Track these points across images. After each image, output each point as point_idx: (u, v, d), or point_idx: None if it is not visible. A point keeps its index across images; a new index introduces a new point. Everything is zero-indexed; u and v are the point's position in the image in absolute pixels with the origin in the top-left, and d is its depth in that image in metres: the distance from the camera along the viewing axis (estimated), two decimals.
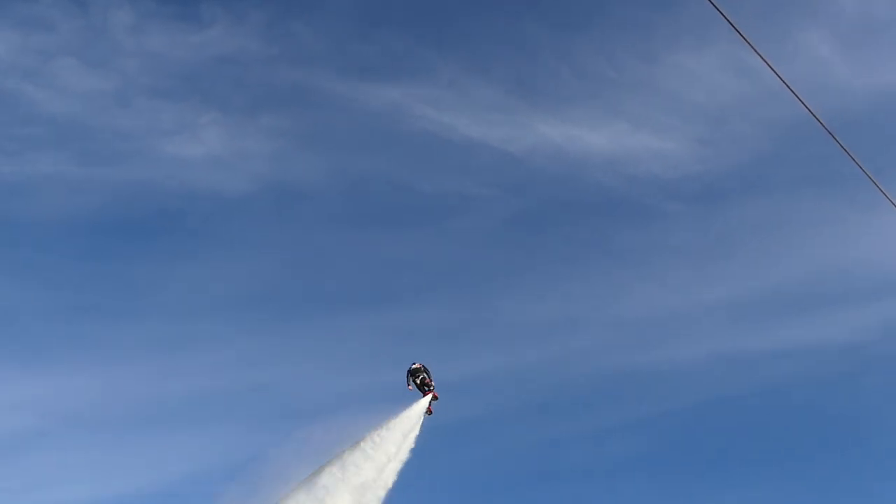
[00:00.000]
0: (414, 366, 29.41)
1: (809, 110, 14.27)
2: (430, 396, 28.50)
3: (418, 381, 29.01)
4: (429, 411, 28.86)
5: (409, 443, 27.91)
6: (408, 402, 28.45)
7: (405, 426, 27.80)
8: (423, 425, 28.23)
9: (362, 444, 26.52)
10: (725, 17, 11.72)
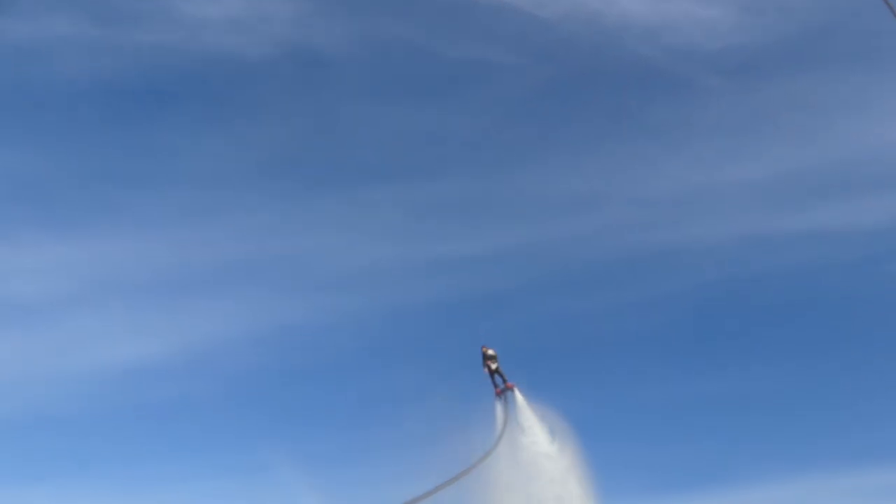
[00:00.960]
0: (489, 352, 31.33)
1: None
2: (508, 390, 30.68)
3: (493, 368, 30.94)
4: (500, 392, 30.81)
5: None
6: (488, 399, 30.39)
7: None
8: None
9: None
10: None
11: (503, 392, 31.74)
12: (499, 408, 31.30)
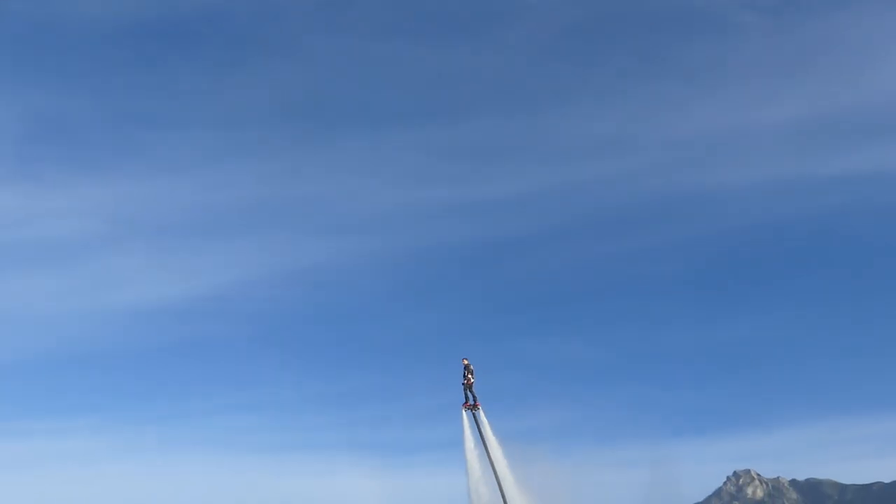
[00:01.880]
0: (469, 366, 35.15)
1: None
2: (472, 406, 34.67)
3: (470, 381, 34.63)
4: (473, 406, 34.74)
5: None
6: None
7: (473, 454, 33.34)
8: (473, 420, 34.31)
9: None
10: None
11: (472, 406, 35.63)
12: (465, 419, 35.33)
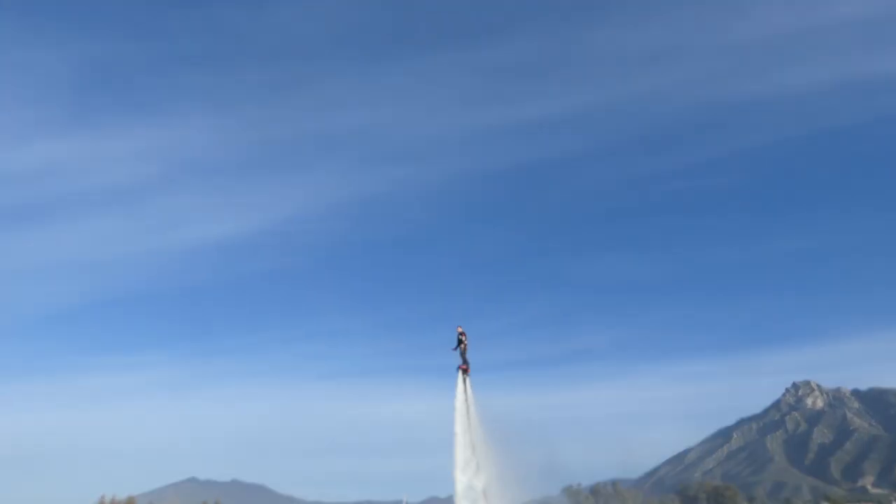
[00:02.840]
0: (459, 330, 40.55)
1: None
2: (464, 372, 39.44)
3: (463, 347, 40.24)
4: (465, 370, 38.90)
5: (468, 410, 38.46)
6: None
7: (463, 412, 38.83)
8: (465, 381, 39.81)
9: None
10: None
11: (465, 370, 40.24)
12: (459, 381, 40.24)
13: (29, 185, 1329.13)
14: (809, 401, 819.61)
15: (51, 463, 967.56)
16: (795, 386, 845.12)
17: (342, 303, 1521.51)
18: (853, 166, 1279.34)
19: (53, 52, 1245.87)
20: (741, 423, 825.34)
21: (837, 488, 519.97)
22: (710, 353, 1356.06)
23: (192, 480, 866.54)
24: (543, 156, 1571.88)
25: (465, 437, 40.21)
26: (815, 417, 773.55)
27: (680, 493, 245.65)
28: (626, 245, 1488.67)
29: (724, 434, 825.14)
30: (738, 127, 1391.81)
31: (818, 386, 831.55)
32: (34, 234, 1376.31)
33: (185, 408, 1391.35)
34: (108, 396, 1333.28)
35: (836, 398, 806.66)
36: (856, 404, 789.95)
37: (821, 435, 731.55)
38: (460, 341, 41.72)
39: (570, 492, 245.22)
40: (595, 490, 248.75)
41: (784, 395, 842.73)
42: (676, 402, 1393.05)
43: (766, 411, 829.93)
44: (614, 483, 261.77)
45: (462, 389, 41.64)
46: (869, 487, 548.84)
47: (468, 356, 42.28)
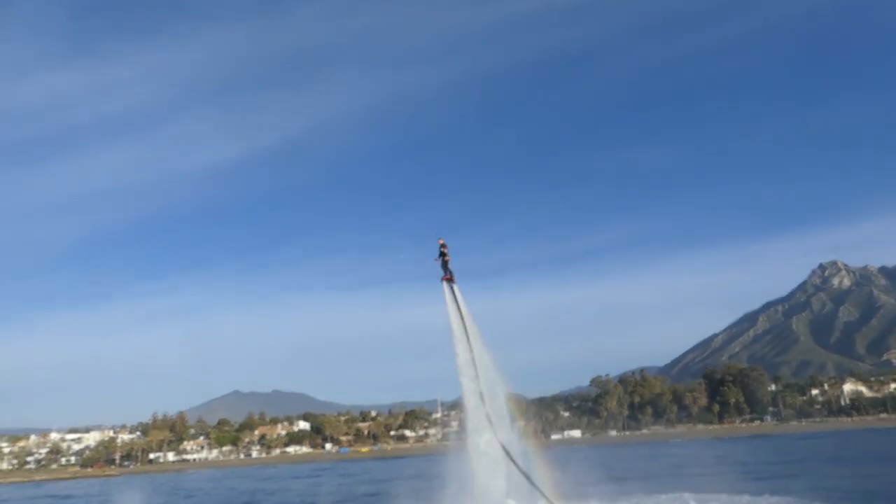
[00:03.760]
0: (440, 243, 40.25)
1: None
2: (449, 279, 39.54)
3: (443, 259, 40.08)
4: (450, 280, 39.64)
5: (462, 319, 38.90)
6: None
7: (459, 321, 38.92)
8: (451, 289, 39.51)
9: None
10: None
11: (450, 279, 39.96)
12: (446, 290, 39.76)
13: (34, 120, 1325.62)
14: (836, 281, 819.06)
15: (103, 385, 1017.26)
16: (822, 267, 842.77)
17: (365, 213, 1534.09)
18: (878, 44, 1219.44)
19: None
20: (767, 306, 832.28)
21: (862, 363, 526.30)
22: (735, 239, 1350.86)
23: (236, 393, 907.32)
24: (555, 49, 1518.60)
25: (462, 342, 39.74)
26: (841, 297, 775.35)
27: (705, 377, 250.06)
28: (644, 135, 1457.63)
29: (749, 318, 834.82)
30: (761, 3, 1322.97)
31: (845, 265, 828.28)
32: (46, 169, 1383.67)
33: (224, 326, 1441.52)
34: (148, 321, 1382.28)
35: (862, 276, 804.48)
36: (882, 281, 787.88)
37: (847, 313, 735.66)
38: (442, 253, 41.44)
39: (598, 381, 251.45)
40: (622, 379, 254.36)
41: (810, 276, 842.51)
42: (702, 290, 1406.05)
43: (792, 293, 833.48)
44: (642, 371, 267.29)
45: (450, 298, 40.78)
46: (894, 360, 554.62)
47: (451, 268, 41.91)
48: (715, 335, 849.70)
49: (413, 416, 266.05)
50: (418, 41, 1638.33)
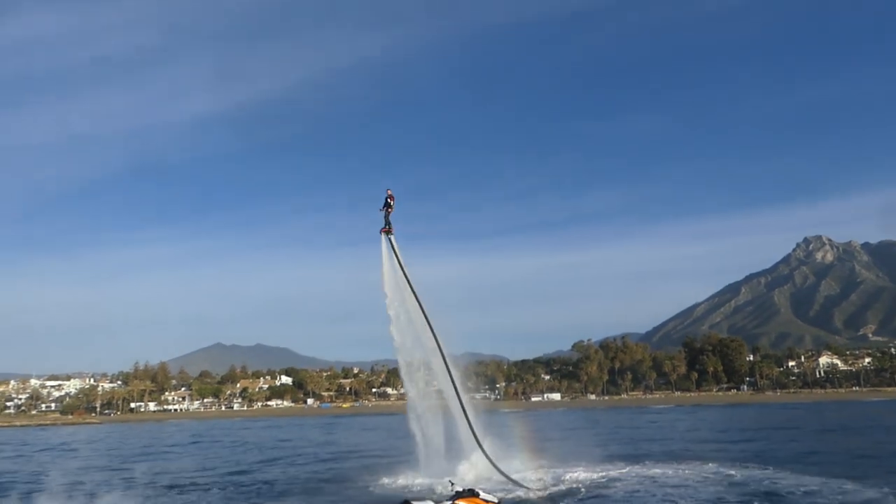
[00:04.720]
0: (388, 193, 38.89)
1: None
2: (388, 231, 38.41)
3: (387, 209, 38.91)
4: (388, 231, 38.56)
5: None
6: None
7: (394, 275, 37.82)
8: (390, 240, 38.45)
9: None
10: None
11: (388, 231, 38.64)
12: (384, 243, 38.53)
13: (17, 58, 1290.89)
14: (819, 255, 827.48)
15: (85, 333, 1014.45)
16: (807, 241, 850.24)
17: (354, 170, 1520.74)
18: (873, 17, 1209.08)
19: None
20: (750, 277, 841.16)
21: (839, 337, 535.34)
22: (722, 211, 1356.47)
23: (219, 346, 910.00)
24: (548, 12, 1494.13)
25: (398, 298, 38.78)
26: (823, 271, 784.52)
27: (686, 345, 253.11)
28: (635, 103, 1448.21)
29: (732, 289, 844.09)
30: None
31: (829, 240, 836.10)
32: (29, 110, 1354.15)
33: (209, 278, 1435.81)
34: (132, 270, 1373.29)
35: (846, 252, 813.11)
36: (865, 257, 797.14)
37: (827, 287, 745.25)
38: (387, 203, 40.18)
39: (580, 346, 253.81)
40: (604, 345, 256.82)
41: (794, 249, 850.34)
42: (686, 260, 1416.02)
43: (776, 266, 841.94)
44: (623, 337, 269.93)
45: (387, 251, 39.58)
46: (870, 335, 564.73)
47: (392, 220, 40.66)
48: (697, 304, 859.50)
49: (395, 373, 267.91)
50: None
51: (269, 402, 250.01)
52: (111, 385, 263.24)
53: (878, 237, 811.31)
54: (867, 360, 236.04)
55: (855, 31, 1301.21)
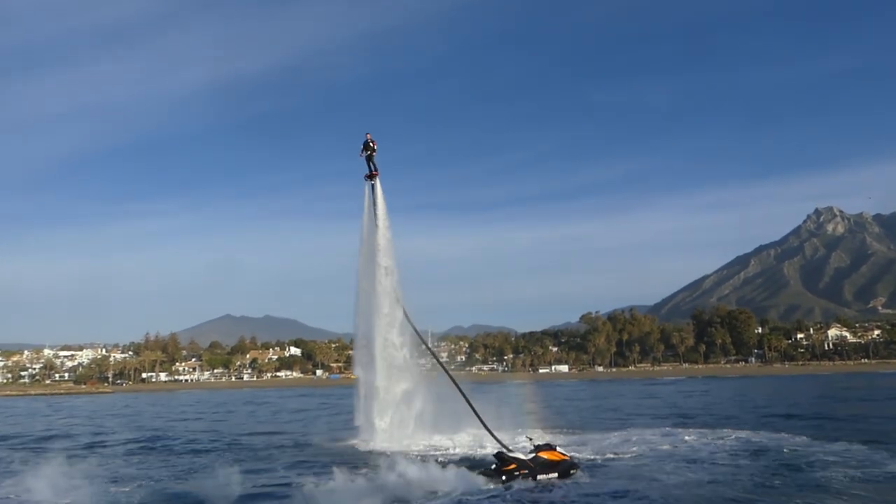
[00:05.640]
0: (367, 137, 35.88)
1: None
2: (374, 176, 36.17)
3: (368, 154, 36.03)
4: (372, 176, 36.22)
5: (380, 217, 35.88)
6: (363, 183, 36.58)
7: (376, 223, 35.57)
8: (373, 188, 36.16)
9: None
10: None
11: (371, 177, 36.21)
12: (367, 192, 36.24)
13: (22, 25, 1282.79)
14: (830, 227, 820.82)
15: (97, 304, 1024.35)
16: (818, 212, 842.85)
17: (360, 139, 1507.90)
18: None
19: None
20: (759, 249, 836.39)
21: (848, 310, 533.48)
22: (732, 181, 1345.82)
23: (228, 317, 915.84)
24: None
25: (372, 251, 36.94)
26: (834, 243, 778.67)
27: (694, 317, 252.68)
28: (645, 70, 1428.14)
29: (741, 261, 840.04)
30: None
31: (840, 212, 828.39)
32: (33, 80, 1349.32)
33: (217, 249, 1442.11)
34: (143, 241, 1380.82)
35: (857, 223, 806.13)
36: (876, 229, 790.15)
37: (838, 259, 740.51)
38: (370, 147, 37.21)
39: (588, 318, 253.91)
40: (612, 317, 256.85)
41: (805, 221, 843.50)
42: (696, 231, 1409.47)
43: (786, 238, 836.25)
44: (631, 309, 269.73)
45: (370, 201, 37.48)
46: (879, 308, 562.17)
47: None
48: (706, 276, 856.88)
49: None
50: None
51: (278, 373, 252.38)
52: (123, 356, 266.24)
53: (891, 208, 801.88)
54: (876, 332, 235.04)
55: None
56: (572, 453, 25.99)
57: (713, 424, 40.14)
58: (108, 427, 55.46)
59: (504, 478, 22.37)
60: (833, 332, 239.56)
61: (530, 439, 24.60)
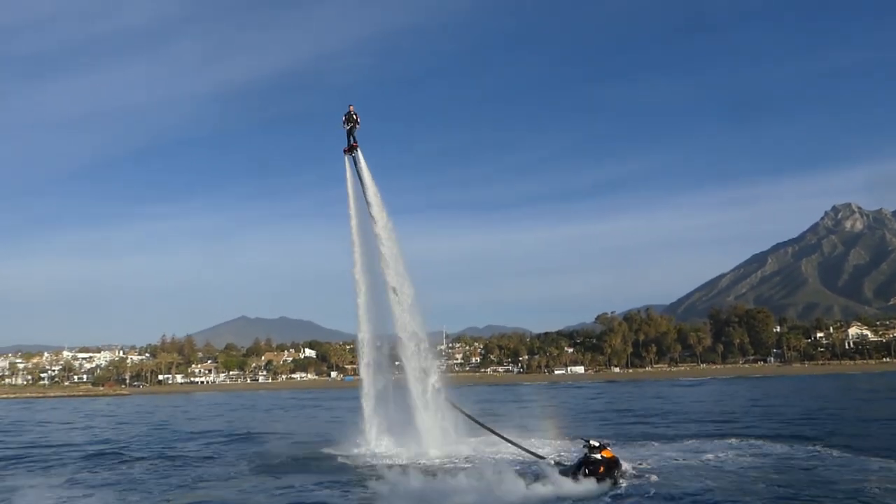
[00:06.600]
0: (351, 109, 33.79)
1: None
2: (354, 148, 33.75)
3: (350, 126, 33.90)
4: (352, 149, 33.92)
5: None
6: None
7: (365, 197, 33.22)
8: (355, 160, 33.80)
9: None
10: None
11: (351, 150, 34.10)
12: (348, 166, 33.93)
13: (40, 31, 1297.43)
14: (848, 223, 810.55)
15: (114, 306, 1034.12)
16: (835, 209, 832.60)
17: (374, 141, 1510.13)
18: None
19: None
20: (777, 247, 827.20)
21: (869, 308, 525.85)
22: (748, 179, 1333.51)
23: (243, 319, 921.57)
24: None
25: (362, 227, 34.78)
26: (852, 240, 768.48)
27: (711, 317, 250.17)
28: (655, 68, 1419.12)
29: (758, 259, 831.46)
30: None
31: (859, 208, 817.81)
32: (53, 84, 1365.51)
33: (233, 251, 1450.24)
34: (157, 244, 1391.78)
35: (876, 220, 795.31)
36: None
37: (857, 256, 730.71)
38: (352, 119, 34.86)
39: (604, 319, 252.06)
40: (628, 317, 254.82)
41: (823, 218, 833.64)
42: (711, 229, 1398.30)
43: (803, 235, 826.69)
44: (647, 309, 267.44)
45: (352, 174, 34.99)
46: None
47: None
48: (722, 275, 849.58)
49: None
50: None
51: (293, 375, 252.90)
52: (139, 357, 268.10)
53: None
54: None
55: None
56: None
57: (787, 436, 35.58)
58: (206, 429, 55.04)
59: (605, 479, 23.08)
60: (853, 331, 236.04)
61: (587, 441, 24.91)
